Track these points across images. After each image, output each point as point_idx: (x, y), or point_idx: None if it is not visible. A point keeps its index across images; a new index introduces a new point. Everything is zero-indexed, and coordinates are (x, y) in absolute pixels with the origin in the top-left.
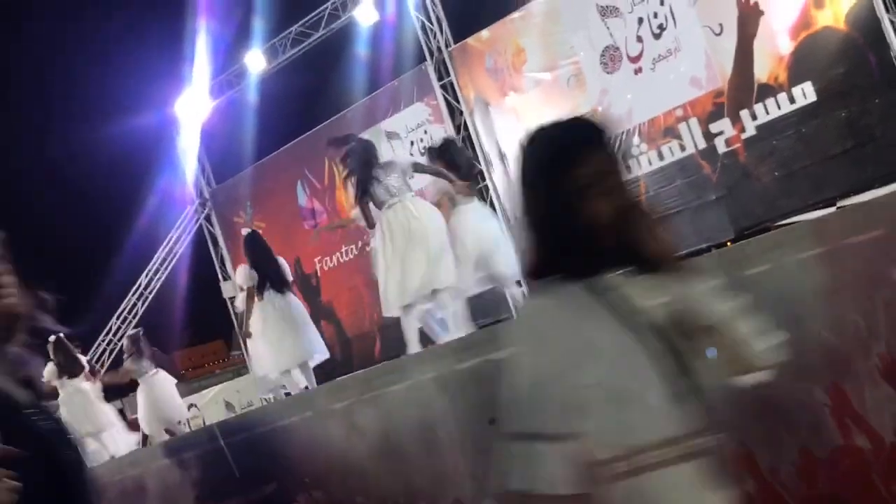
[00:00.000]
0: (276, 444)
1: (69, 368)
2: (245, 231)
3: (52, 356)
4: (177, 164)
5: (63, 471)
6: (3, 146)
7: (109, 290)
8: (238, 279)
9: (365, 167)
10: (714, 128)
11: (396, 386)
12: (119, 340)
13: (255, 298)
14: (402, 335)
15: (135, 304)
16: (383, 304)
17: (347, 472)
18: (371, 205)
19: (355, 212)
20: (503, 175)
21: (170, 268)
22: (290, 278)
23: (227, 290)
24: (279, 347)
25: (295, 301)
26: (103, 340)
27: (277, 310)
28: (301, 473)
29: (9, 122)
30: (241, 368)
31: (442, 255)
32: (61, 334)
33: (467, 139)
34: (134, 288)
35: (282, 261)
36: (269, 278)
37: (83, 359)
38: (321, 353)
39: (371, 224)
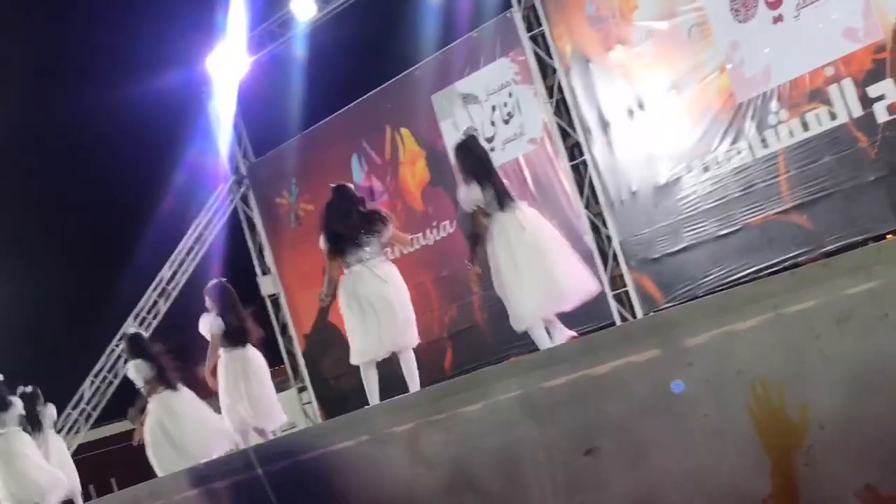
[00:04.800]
0: (324, 473)
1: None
2: (213, 283)
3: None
4: (208, 132)
5: None
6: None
7: (126, 285)
8: (201, 328)
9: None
10: (873, 91)
11: (472, 406)
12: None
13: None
14: (480, 343)
15: (155, 302)
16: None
17: None
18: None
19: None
20: (606, 148)
21: (198, 258)
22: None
23: (265, 285)
24: (232, 410)
25: (256, 358)
26: (117, 345)
27: (237, 366)
28: None
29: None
30: (283, 381)
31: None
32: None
33: (562, 103)
34: (155, 282)
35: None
36: (232, 331)
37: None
38: (276, 422)
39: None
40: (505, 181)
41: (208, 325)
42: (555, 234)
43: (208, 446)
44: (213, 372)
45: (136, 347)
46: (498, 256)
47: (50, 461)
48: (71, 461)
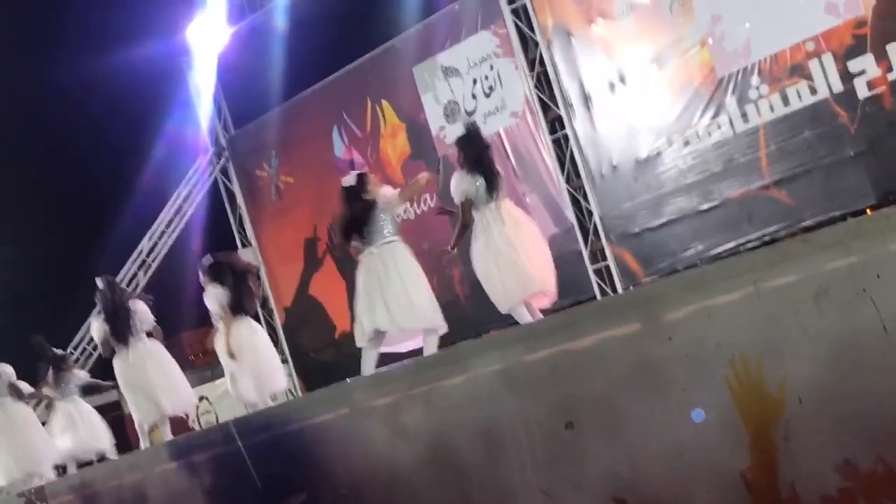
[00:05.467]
0: (305, 447)
1: None
2: (99, 281)
3: None
4: (187, 104)
5: None
6: None
7: (104, 257)
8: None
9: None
10: (853, 66)
11: (452, 380)
12: None
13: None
14: (460, 317)
15: (135, 274)
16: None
17: (392, 483)
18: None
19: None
20: (587, 121)
21: (178, 230)
22: (147, 326)
23: (246, 258)
24: (136, 403)
25: (155, 350)
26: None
27: (134, 363)
28: (335, 484)
29: None
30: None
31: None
32: None
33: (543, 76)
34: (134, 254)
35: (138, 306)
36: (118, 330)
37: None
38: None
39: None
40: (500, 173)
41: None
42: (534, 230)
43: (274, 382)
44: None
45: (217, 273)
46: (479, 246)
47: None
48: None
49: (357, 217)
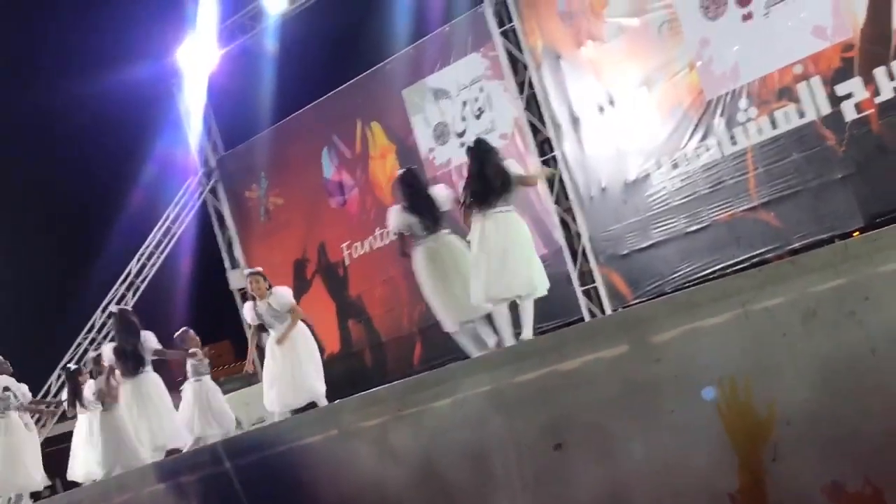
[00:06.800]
0: (293, 468)
1: None
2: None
3: None
4: (177, 125)
5: None
6: None
7: (93, 278)
8: (246, 314)
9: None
10: (841, 89)
11: (441, 401)
12: (105, 338)
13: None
14: (448, 336)
15: (123, 295)
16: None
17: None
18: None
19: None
20: (575, 144)
21: (166, 252)
22: (149, 355)
23: (234, 279)
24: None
25: (153, 381)
26: (84, 339)
27: (134, 393)
28: None
29: None
30: (251, 376)
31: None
32: None
33: (532, 99)
34: (123, 276)
35: (146, 336)
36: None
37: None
38: (177, 441)
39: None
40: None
41: (250, 313)
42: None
43: (313, 390)
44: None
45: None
46: (421, 272)
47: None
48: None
49: (489, 178)
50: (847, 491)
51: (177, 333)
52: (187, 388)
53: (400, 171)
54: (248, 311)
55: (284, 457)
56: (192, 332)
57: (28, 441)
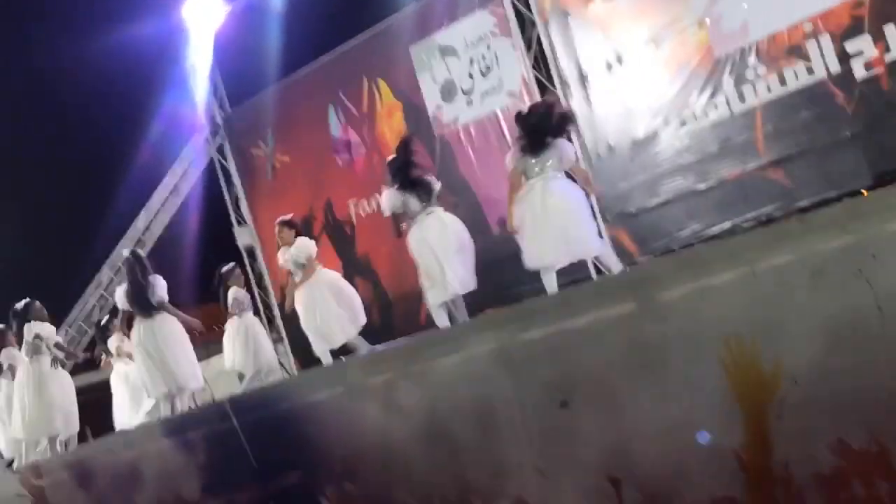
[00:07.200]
0: (300, 425)
1: None
2: (126, 252)
3: None
4: (183, 82)
5: None
6: None
7: (99, 236)
8: (116, 300)
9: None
10: (851, 47)
11: (447, 359)
12: (111, 296)
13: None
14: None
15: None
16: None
17: (386, 461)
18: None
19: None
20: (584, 102)
21: (174, 209)
22: (161, 298)
23: (242, 237)
24: (149, 372)
25: (168, 324)
26: (91, 295)
27: (146, 337)
28: (330, 462)
29: None
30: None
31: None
32: None
33: (540, 56)
34: (130, 233)
35: (154, 280)
36: (139, 300)
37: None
38: (195, 383)
39: None
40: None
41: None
42: (463, 234)
43: (344, 330)
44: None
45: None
46: (415, 248)
47: None
48: None
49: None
50: (853, 448)
51: (224, 268)
52: (228, 325)
53: (390, 157)
54: (279, 257)
55: (291, 414)
56: (238, 269)
57: (62, 387)
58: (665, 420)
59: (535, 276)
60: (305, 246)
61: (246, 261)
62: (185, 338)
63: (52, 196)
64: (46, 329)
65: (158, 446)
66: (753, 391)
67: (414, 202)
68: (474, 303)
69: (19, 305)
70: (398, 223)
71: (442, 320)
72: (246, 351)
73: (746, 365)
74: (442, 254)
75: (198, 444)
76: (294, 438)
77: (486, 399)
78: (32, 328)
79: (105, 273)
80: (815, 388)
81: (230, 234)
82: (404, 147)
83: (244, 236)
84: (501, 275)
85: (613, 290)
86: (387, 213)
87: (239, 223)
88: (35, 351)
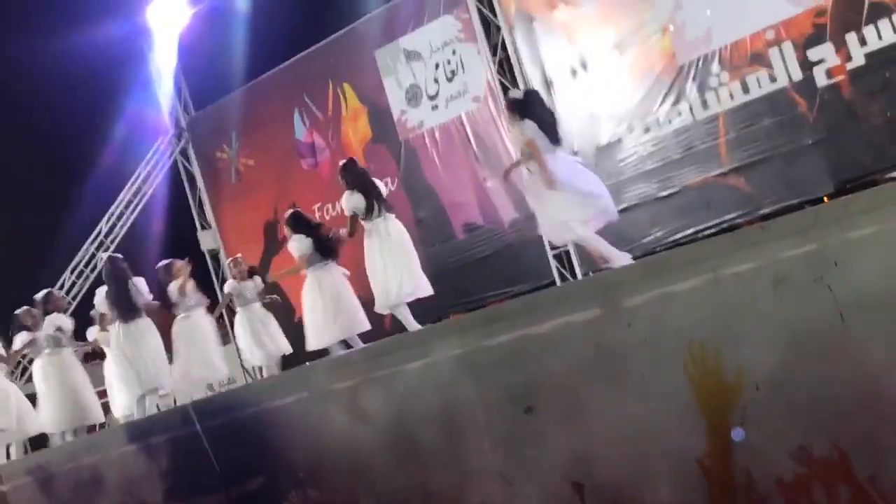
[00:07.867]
0: (263, 430)
1: None
2: (103, 256)
3: None
4: (147, 85)
5: None
6: None
7: (63, 238)
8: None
9: None
10: (813, 55)
11: (412, 364)
12: (75, 298)
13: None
14: (420, 299)
15: (93, 255)
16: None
17: (350, 466)
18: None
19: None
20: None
21: (136, 212)
22: (143, 300)
23: (205, 240)
24: (124, 375)
25: (145, 327)
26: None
27: (125, 341)
28: (294, 467)
29: None
30: (222, 336)
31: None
32: None
33: (505, 62)
34: (93, 235)
35: (136, 282)
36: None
37: None
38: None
39: None
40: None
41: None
42: (410, 244)
43: (359, 323)
44: None
45: (299, 224)
46: (369, 252)
47: None
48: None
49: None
50: (814, 455)
51: (160, 264)
52: (236, 319)
53: (342, 161)
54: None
55: (255, 418)
56: (178, 262)
57: (82, 377)
58: (628, 426)
59: (501, 281)
60: (293, 246)
61: (209, 264)
62: (160, 342)
63: (13, 197)
64: (66, 322)
65: (120, 451)
66: (717, 398)
67: (369, 208)
68: (439, 308)
69: (39, 296)
70: (355, 223)
71: (407, 319)
72: (257, 343)
73: (709, 372)
74: (395, 261)
75: (161, 448)
76: (258, 443)
77: (450, 404)
78: (54, 320)
79: (67, 277)
80: (776, 394)
81: (194, 238)
82: (355, 161)
83: (208, 240)
84: (466, 280)
85: (578, 296)
86: (349, 212)
87: (203, 227)
88: (55, 343)
